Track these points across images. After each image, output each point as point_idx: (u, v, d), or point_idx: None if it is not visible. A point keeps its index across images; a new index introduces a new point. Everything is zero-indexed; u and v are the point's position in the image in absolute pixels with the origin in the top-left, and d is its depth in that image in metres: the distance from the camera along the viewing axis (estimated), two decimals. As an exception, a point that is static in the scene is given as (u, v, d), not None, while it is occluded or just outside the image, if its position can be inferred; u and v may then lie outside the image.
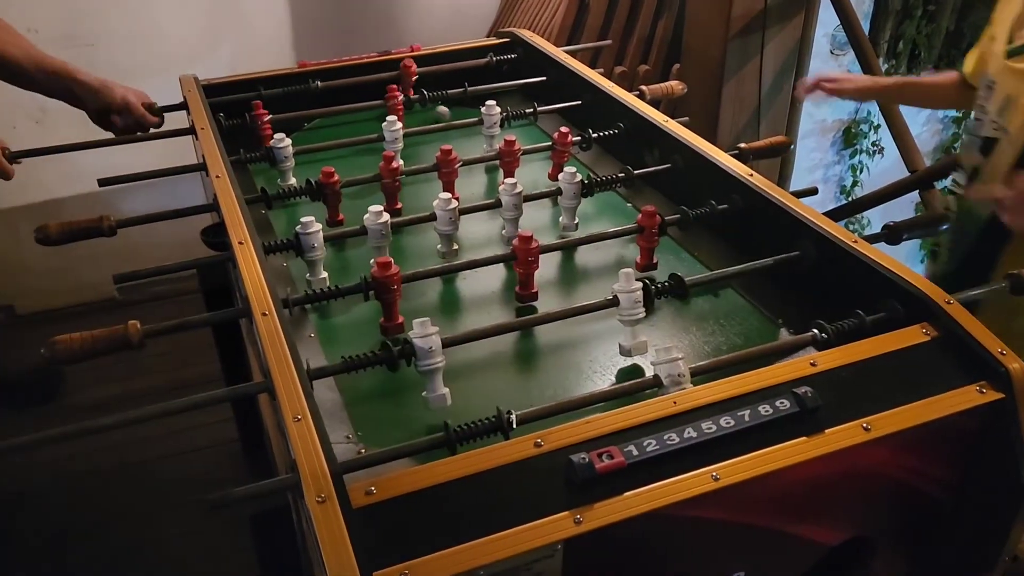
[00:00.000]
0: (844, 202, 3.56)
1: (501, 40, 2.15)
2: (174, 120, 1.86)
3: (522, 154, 1.60)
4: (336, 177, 1.48)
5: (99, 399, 2.43)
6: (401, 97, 1.88)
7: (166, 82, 2.08)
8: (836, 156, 3.80)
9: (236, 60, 2.64)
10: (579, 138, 1.68)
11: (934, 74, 1.87)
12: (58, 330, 1.12)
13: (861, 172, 3.75)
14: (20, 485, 2.02)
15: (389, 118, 1.74)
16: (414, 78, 1.96)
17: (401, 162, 1.58)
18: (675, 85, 1.89)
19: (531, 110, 1.84)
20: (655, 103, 1.77)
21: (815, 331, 1.08)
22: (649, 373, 1.04)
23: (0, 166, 1.63)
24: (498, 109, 1.73)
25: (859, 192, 3.68)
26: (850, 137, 3.68)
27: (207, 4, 2.67)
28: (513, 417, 0.93)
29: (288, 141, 1.65)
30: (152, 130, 1.83)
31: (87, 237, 1.43)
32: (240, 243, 1.21)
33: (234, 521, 1.86)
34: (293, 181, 1.63)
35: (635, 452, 0.86)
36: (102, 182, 1.54)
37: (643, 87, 1.85)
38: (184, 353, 2.46)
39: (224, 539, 1.91)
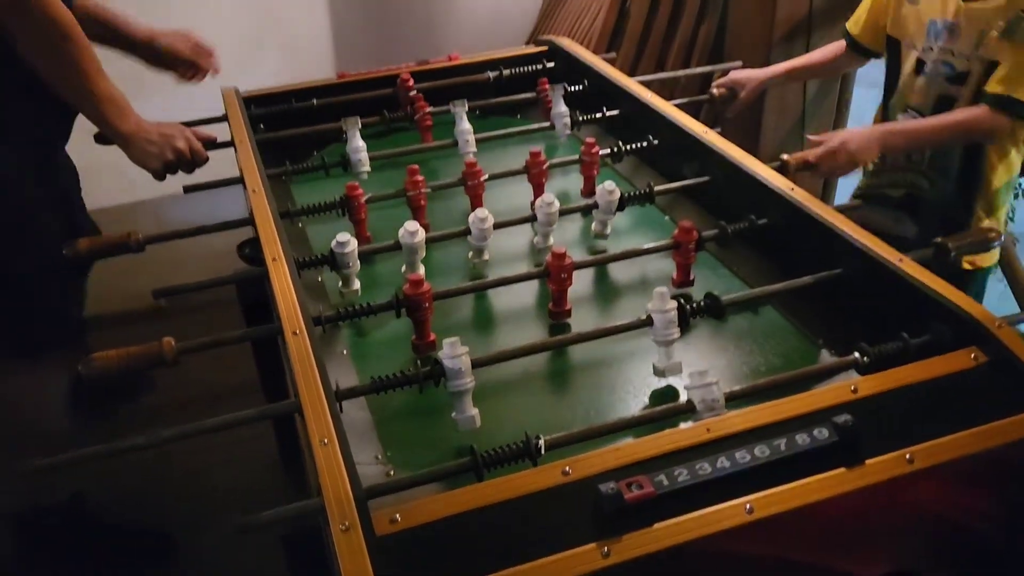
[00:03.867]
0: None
1: (539, 48, 2.14)
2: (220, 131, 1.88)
3: (548, 167, 1.58)
4: (360, 191, 1.47)
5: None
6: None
7: (214, 93, 2.11)
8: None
9: (281, 70, 2.68)
10: (609, 150, 1.65)
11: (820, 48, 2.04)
12: (102, 339, 1.14)
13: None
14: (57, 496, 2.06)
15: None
16: (411, 92, 1.93)
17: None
18: None
19: (576, 119, 1.81)
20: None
21: (856, 354, 1.05)
22: (684, 395, 1.01)
23: (195, 150, 1.66)
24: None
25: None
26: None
27: (252, 17, 2.71)
28: (542, 443, 0.91)
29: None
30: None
31: (116, 254, 1.46)
32: (274, 260, 1.22)
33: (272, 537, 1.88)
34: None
35: (665, 482, 0.84)
36: (187, 189, 1.63)
37: (713, 90, 1.98)
38: (229, 360, 2.47)
39: (262, 554, 1.92)
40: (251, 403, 1.14)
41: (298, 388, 0.96)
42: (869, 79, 3.33)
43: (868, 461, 0.88)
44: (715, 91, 1.99)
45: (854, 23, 1.93)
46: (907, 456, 0.89)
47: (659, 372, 1.13)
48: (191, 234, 1.44)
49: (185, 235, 1.43)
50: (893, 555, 0.97)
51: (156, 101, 1.95)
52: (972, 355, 1.00)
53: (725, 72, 2.20)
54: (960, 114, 1.63)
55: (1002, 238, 1.40)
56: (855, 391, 0.96)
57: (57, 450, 0.96)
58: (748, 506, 0.83)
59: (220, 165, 1.81)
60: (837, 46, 1.98)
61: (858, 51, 1.93)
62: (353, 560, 0.76)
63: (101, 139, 1.73)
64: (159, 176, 1.72)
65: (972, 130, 1.63)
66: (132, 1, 2.52)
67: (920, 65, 1.78)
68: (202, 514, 2.06)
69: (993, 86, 1.58)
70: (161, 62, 1.89)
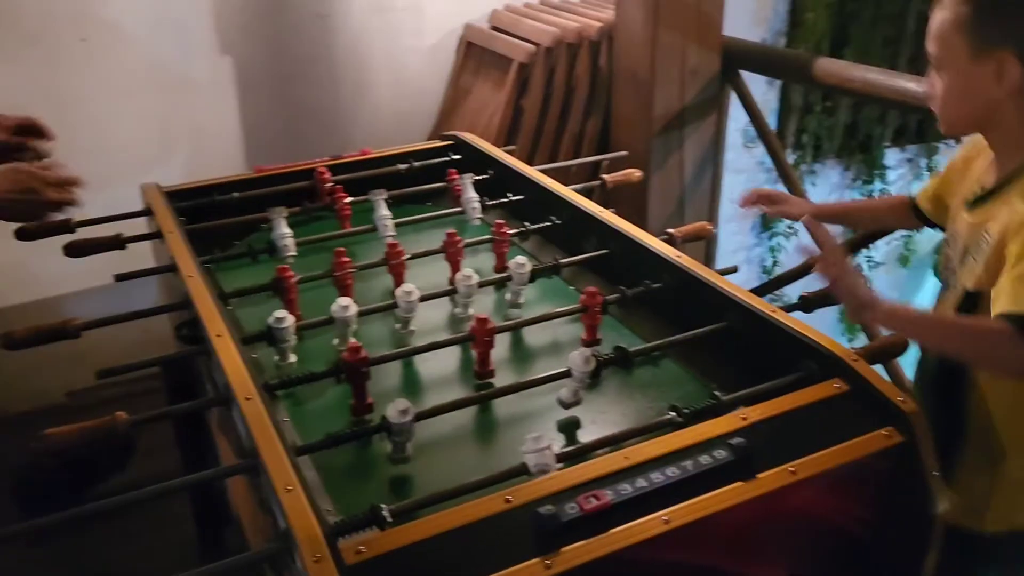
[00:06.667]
0: (766, 280, 3.82)
1: (445, 142, 2.33)
2: (134, 227, 1.94)
3: (464, 246, 1.74)
4: (290, 273, 1.58)
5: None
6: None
7: (126, 191, 2.18)
8: (756, 239, 4.09)
9: (190, 167, 2.76)
10: (517, 230, 1.82)
11: (882, 197, 1.96)
12: (8, 438, 1.15)
13: (779, 252, 4.03)
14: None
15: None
16: (328, 184, 2.05)
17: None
18: (633, 172, 2.12)
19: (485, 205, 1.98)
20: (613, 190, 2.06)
21: (672, 413, 1.19)
22: (586, 431, 1.17)
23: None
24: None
25: (779, 271, 3.96)
26: (767, 221, 3.97)
27: (162, 115, 2.80)
28: (386, 512, 0.98)
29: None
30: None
31: (53, 340, 1.50)
32: (218, 335, 1.30)
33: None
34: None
35: (595, 501, 0.97)
36: (118, 277, 1.67)
37: (604, 176, 2.08)
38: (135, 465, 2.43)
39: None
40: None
41: (256, 445, 1.05)
42: (736, 166, 3.73)
43: (760, 475, 1.04)
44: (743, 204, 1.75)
45: (922, 194, 1.63)
46: (790, 469, 1.05)
47: (563, 404, 1.28)
48: (127, 319, 1.50)
49: (121, 320, 1.49)
50: (788, 560, 1.13)
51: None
52: (836, 384, 1.20)
53: (613, 162, 2.46)
54: (986, 326, 1.21)
55: None
56: (745, 419, 1.13)
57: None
58: (665, 518, 0.97)
59: (132, 259, 1.85)
60: (899, 199, 1.74)
61: (918, 216, 1.65)
62: (327, 586, 0.84)
63: (23, 235, 1.77)
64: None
65: (1000, 354, 1.17)
66: (41, 101, 2.59)
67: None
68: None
69: (999, 307, 1.20)
70: None
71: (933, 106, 1.41)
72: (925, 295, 4.54)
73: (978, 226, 1.38)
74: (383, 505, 0.98)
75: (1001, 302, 1.19)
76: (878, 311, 1.25)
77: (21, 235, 1.75)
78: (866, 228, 2.06)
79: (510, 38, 3.00)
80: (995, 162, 1.41)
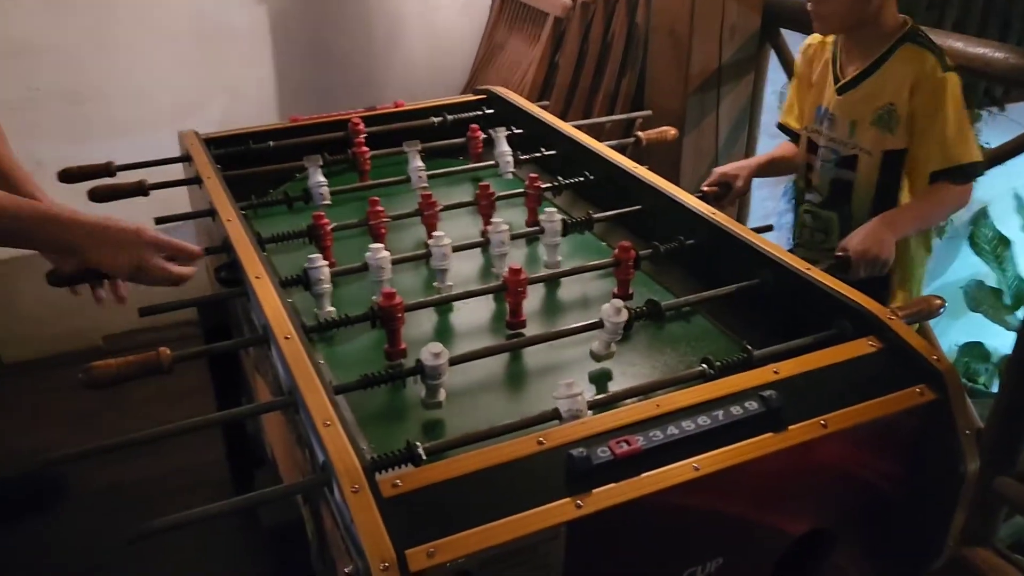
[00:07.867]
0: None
1: (478, 96, 2.32)
2: (169, 172, 1.96)
3: (496, 199, 1.74)
4: (326, 220, 1.60)
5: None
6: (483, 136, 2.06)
7: (161, 136, 2.21)
8: (788, 205, 4.03)
9: (225, 116, 2.77)
10: (549, 185, 1.82)
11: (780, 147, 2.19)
12: (46, 378, 1.19)
13: (812, 219, 3.98)
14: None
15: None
16: (362, 136, 2.05)
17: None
18: (668, 130, 2.11)
19: (518, 159, 1.99)
20: (647, 147, 2.07)
21: (703, 366, 1.19)
22: (617, 382, 1.19)
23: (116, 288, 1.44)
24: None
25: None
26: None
27: (198, 65, 2.82)
28: (421, 450, 1.00)
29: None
30: (151, 180, 1.90)
31: (99, 278, 1.53)
32: (257, 277, 1.33)
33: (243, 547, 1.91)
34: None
35: (626, 446, 0.98)
36: (158, 220, 1.67)
37: (639, 133, 2.07)
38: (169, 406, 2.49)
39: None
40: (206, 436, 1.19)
41: (295, 383, 1.07)
42: (772, 130, 3.67)
43: (790, 427, 1.05)
44: (706, 190, 1.99)
45: (787, 116, 2.03)
46: (821, 422, 1.06)
47: (596, 356, 1.30)
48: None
49: (162, 261, 1.51)
50: (814, 513, 1.14)
51: (103, 147, 2.02)
52: (870, 342, 1.19)
53: (646, 120, 2.43)
54: (940, 194, 1.73)
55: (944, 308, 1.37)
56: (777, 372, 1.13)
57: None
58: (695, 465, 0.99)
59: (168, 207, 1.86)
60: (788, 143, 2.10)
61: (794, 139, 2.03)
62: (365, 516, 0.87)
63: (65, 178, 1.80)
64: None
65: (957, 205, 1.79)
66: (81, 46, 2.62)
67: (812, 147, 1.92)
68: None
69: (933, 166, 1.72)
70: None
71: (820, 7, 1.73)
72: (959, 264, 4.49)
73: (861, 101, 1.79)
74: (418, 443, 1.01)
75: (934, 163, 1.71)
76: (890, 240, 1.66)
77: (63, 178, 1.79)
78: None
79: (546, -8, 2.97)
80: (857, 53, 1.80)
